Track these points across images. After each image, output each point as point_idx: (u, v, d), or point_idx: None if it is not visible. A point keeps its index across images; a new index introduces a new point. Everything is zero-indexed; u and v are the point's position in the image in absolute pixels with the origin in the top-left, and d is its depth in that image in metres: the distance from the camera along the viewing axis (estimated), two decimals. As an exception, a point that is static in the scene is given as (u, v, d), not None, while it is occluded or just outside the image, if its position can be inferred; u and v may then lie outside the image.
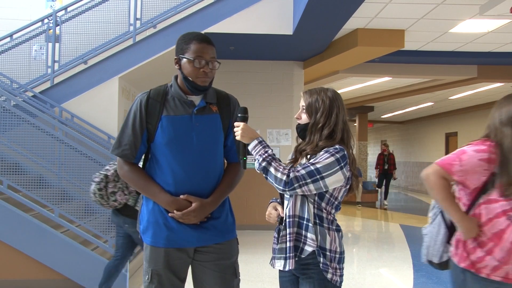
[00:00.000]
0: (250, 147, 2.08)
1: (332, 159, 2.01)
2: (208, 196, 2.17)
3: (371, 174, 20.18)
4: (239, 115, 2.10)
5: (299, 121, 2.21)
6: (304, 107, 2.18)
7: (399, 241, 8.16)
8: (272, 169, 2.01)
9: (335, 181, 2.02)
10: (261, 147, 2.06)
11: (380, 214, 12.06)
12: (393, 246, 7.78)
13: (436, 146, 17.50)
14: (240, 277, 2.29)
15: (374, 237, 9.13)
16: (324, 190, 2.03)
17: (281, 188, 2.01)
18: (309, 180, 1.98)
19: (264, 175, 2.05)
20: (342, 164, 2.03)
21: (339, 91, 10.73)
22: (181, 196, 2.13)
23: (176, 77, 2.22)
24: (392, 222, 10.89)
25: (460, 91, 11.50)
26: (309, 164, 2.02)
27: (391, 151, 14.10)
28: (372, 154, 22.71)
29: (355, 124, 17.18)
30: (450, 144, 16.64)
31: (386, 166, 13.40)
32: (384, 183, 13.55)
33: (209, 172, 2.18)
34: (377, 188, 13.99)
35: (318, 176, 1.98)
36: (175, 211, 2.12)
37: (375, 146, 23.73)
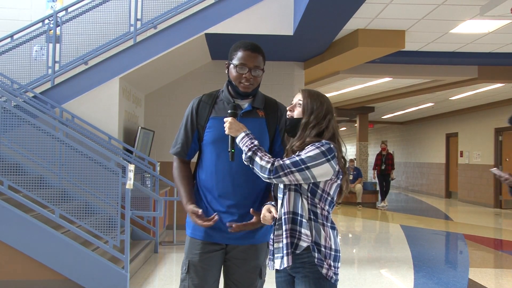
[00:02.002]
0: (237, 140, 2.17)
1: (317, 151, 2.07)
2: (245, 193, 2.31)
3: (372, 175, 20.16)
4: (229, 111, 2.23)
5: (290, 113, 2.24)
6: (301, 103, 2.21)
7: (399, 242, 8.16)
8: (257, 159, 2.09)
9: (323, 173, 2.07)
10: (247, 138, 2.15)
11: (381, 215, 12.05)
12: (394, 247, 7.78)
13: (437, 147, 17.49)
14: (265, 279, 2.43)
15: (375, 238, 9.13)
16: (312, 180, 2.08)
17: (266, 176, 2.08)
18: (294, 169, 2.05)
19: (250, 165, 2.13)
20: (329, 157, 2.08)
21: (339, 92, 10.69)
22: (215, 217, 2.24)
23: (227, 84, 2.38)
24: (393, 222, 10.89)
25: (460, 91, 11.49)
26: (294, 156, 2.10)
27: (391, 151, 14.03)
28: (373, 154, 22.62)
29: (356, 125, 17.17)
30: (451, 144, 16.64)
31: (384, 166, 13.33)
32: (384, 184, 13.50)
33: (250, 171, 2.24)
34: (377, 189, 13.96)
35: (303, 166, 2.05)
36: (233, 225, 2.24)
37: (376, 147, 23.70)
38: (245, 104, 2.35)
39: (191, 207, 2.27)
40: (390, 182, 13.54)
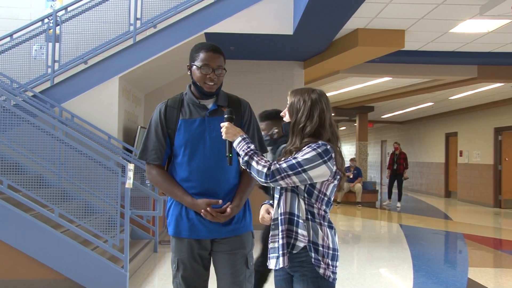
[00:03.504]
0: (234, 144, 2.18)
1: (313, 153, 2.07)
2: (222, 190, 2.36)
3: (372, 174, 20.22)
4: (225, 116, 2.25)
5: (284, 118, 2.28)
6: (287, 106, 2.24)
7: (399, 241, 8.16)
8: (253, 163, 2.09)
9: (320, 174, 2.07)
10: (244, 143, 2.15)
11: (380, 214, 12.06)
12: (393, 246, 7.78)
13: (436, 146, 17.49)
14: (253, 269, 2.46)
15: (374, 237, 9.13)
16: (309, 182, 2.08)
17: (262, 180, 2.07)
18: (291, 172, 2.05)
19: (247, 169, 2.14)
20: (326, 158, 2.07)
21: (339, 91, 10.64)
22: (206, 201, 2.29)
23: (190, 85, 2.45)
24: (392, 222, 10.89)
25: (460, 91, 11.50)
26: (291, 158, 2.09)
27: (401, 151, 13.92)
28: (372, 154, 22.68)
29: (355, 124, 17.18)
30: (450, 144, 16.64)
31: (395, 166, 13.32)
32: (396, 184, 13.43)
33: (222, 168, 2.35)
34: (377, 188, 13.94)
35: (300, 169, 2.05)
36: (208, 209, 2.28)
37: (375, 146, 23.73)
38: (209, 104, 2.42)
39: (202, 201, 2.30)
40: (402, 182, 13.44)
